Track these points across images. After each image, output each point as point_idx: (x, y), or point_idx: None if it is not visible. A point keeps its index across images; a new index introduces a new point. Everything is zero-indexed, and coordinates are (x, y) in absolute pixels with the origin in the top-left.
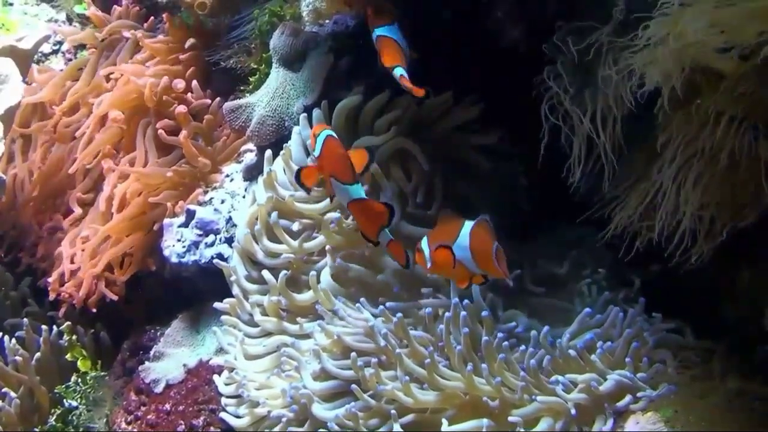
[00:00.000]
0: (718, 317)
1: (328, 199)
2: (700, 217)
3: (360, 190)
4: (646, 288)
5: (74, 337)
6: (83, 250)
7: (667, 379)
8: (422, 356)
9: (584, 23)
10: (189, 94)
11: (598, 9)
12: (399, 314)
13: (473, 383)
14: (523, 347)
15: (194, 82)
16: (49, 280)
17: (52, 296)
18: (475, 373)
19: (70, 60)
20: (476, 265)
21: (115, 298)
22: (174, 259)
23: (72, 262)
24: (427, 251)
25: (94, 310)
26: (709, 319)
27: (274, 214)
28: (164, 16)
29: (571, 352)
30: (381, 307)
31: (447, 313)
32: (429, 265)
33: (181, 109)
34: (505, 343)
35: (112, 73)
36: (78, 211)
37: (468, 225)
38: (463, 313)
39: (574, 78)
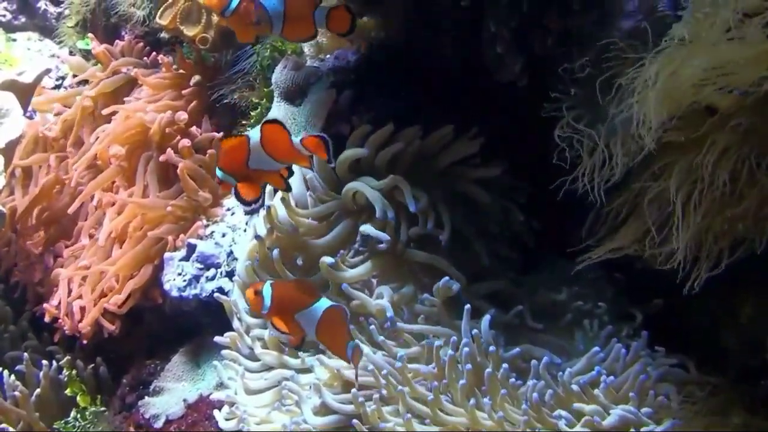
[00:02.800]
0: (719, 348)
1: (330, 235)
2: (699, 245)
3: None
4: (646, 320)
5: (74, 371)
6: (83, 279)
7: (671, 414)
8: (425, 394)
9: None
10: (193, 128)
11: (595, 43)
12: (402, 354)
13: (476, 418)
14: (528, 381)
15: (205, 117)
16: (45, 306)
17: (47, 319)
18: (478, 408)
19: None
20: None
21: (111, 328)
22: (175, 293)
23: (69, 289)
24: (268, 301)
25: (85, 342)
26: (710, 351)
27: (276, 251)
28: (160, 58)
29: (574, 387)
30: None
31: (449, 350)
32: (265, 312)
33: (185, 142)
34: (512, 379)
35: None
36: (85, 242)
37: (323, 303)
38: (465, 349)
39: (584, 111)
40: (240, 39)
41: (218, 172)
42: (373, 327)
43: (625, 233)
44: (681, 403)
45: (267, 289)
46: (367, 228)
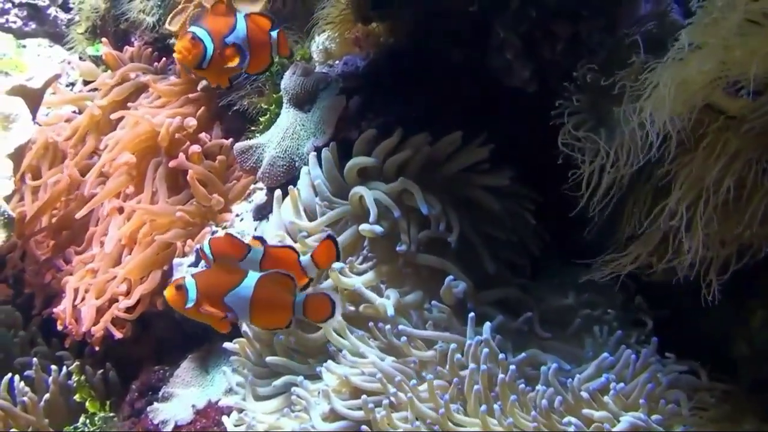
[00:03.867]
0: (730, 357)
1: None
2: (707, 251)
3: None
4: (657, 328)
5: (83, 377)
6: (89, 285)
7: (682, 421)
8: (436, 402)
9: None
10: (203, 134)
11: (604, 49)
12: (430, 376)
13: (487, 424)
14: (538, 387)
15: (217, 124)
16: (56, 311)
17: (60, 326)
18: (489, 414)
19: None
20: (250, 318)
21: (119, 335)
22: None
23: (75, 295)
24: (193, 293)
25: (96, 348)
26: (721, 359)
27: None
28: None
29: (584, 393)
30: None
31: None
32: (190, 305)
33: (195, 148)
34: (522, 385)
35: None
36: (97, 251)
37: (253, 276)
38: (485, 350)
39: (590, 115)
40: (214, 83)
41: (205, 246)
42: (388, 327)
43: (638, 243)
44: (692, 410)
45: (190, 281)
46: (364, 226)
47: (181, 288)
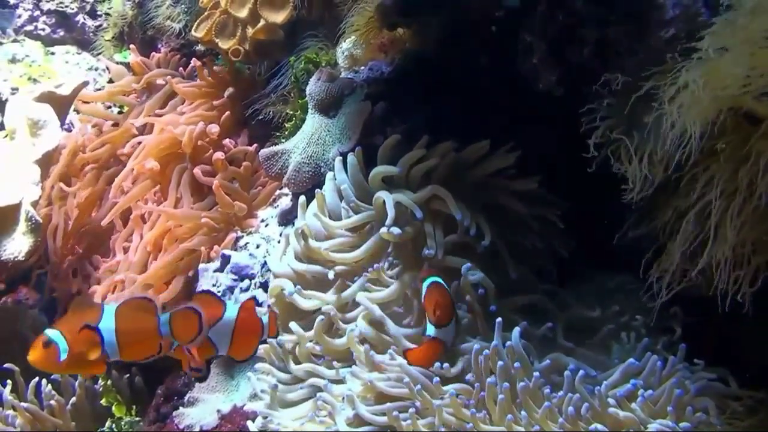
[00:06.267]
0: (761, 365)
1: (362, 248)
2: (739, 258)
3: None
4: (686, 335)
5: (109, 381)
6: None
7: (711, 429)
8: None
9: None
10: (227, 140)
11: (632, 52)
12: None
13: (512, 429)
14: (561, 393)
15: (244, 131)
16: None
17: None
18: (516, 422)
19: (110, 107)
20: (119, 352)
21: None
22: None
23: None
24: (64, 344)
25: None
26: (751, 368)
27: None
28: (193, 60)
29: (611, 400)
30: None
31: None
32: (65, 357)
33: (219, 155)
34: (547, 390)
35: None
36: (120, 257)
37: (111, 308)
38: (500, 362)
39: (620, 120)
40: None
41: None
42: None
43: (668, 250)
44: (719, 418)
45: (53, 332)
46: (383, 230)
47: (49, 343)
